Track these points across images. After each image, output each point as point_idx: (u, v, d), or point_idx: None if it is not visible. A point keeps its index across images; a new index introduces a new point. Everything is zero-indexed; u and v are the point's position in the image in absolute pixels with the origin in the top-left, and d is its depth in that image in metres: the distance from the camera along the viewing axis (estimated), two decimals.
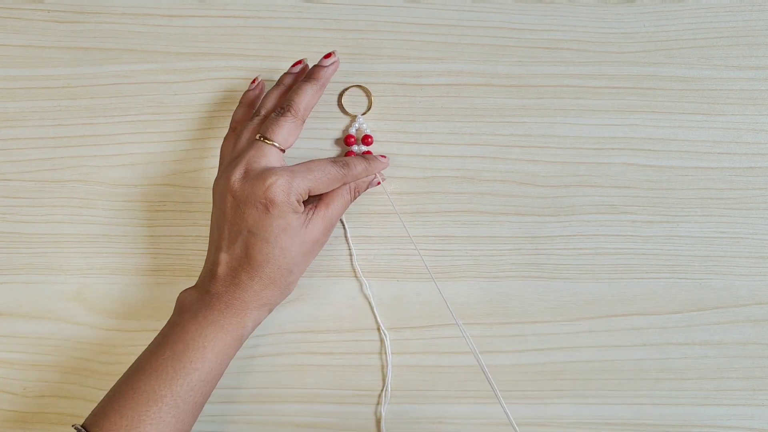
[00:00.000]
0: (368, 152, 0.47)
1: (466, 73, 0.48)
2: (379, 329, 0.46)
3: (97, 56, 0.48)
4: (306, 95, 0.43)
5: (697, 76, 0.48)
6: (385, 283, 0.47)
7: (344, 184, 0.43)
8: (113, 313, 0.46)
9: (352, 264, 0.47)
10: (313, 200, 0.43)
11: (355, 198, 0.45)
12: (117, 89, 0.48)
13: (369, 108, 0.48)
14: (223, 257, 0.41)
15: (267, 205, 0.39)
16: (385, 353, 0.46)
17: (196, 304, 0.40)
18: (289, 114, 0.42)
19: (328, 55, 0.45)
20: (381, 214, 0.47)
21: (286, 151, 0.42)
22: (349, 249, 0.47)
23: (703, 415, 0.45)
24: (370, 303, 0.46)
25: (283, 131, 0.42)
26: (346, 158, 0.44)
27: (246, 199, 0.40)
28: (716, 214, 0.47)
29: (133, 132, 0.48)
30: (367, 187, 0.46)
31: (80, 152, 0.48)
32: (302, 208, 0.41)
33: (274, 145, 0.41)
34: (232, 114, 0.46)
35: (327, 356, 0.46)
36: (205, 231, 0.47)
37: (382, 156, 0.46)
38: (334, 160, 0.43)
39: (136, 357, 0.46)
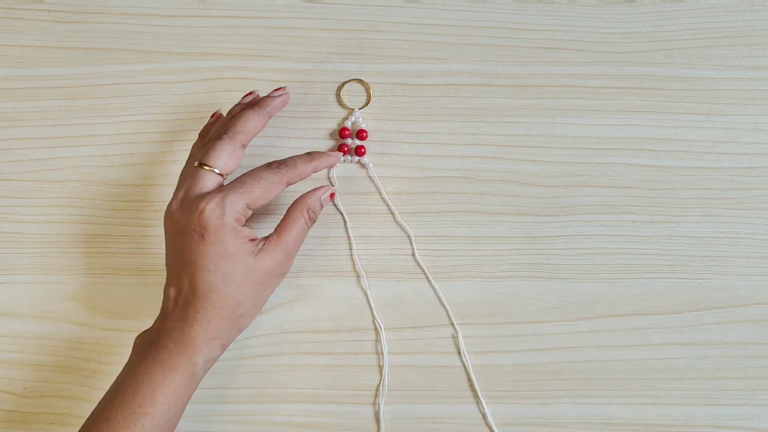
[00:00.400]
0: (361, 147, 0.47)
1: (466, 73, 0.48)
2: (374, 321, 0.46)
3: (97, 56, 0.48)
4: (247, 120, 0.42)
5: (697, 76, 0.48)
6: (385, 283, 0.47)
7: (288, 184, 0.41)
8: (113, 313, 0.46)
9: (351, 257, 0.47)
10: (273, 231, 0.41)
11: (312, 220, 0.43)
12: (117, 89, 0.48)
13: (367, 102, 0.48)
14: (171, 292, 0.39)
15: (201, 233, 0.38)
16: (382, 348, 0.46)
17: (148, 345, 0.39)
18: (225, 137, 0.41)
19: (279, 89, 0.45)
20: (381, 214, 0.47)
21: (226, 176, 0.41)
22: (349, 240, 0.47)
23: (703, 415, 0.45)
24: (366, 296, 0.46)
25: (221, 156, 0.40)
26: (286, 158, 0.42)
27: (183, 229, 0.38)
28: (716, 214, 0.47)
29: (133, 132, 0.48)
30: (322, 207, 0.43)
31: (80, 152, 0.48)
32: (248, 231, 0.40)
33: (213, 171, 0.40)
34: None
35: (327, 356, 0.46)
36: None
37: (333, 151, 0.45)
38: (269, 164, 0.41)
39: None
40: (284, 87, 0.45)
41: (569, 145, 0.48)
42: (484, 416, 0.45)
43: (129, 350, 0.47)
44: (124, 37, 0.48)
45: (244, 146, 0.41)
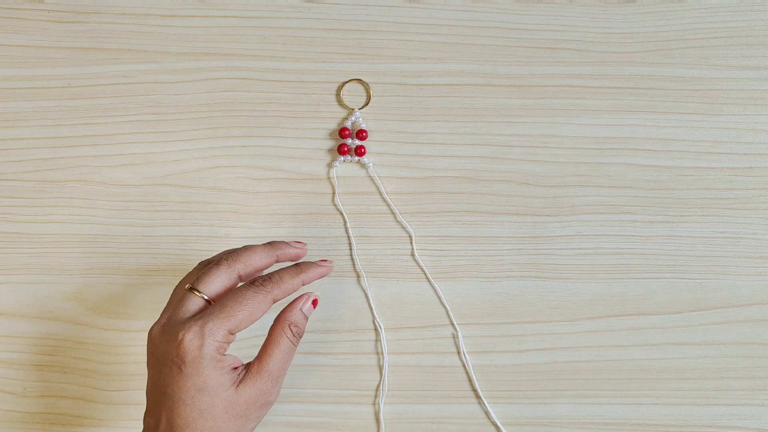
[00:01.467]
0: (361, 147, 0.47)
1: (466, 73, 0.48)
2: (374, 321, 0.46)
3: (97, 56, 0.48)
4: (252, 254, 0.39)
5: (697, 76, 0.48)
6: (385, 283, 0.47)
7: (274, 301, 0.38)
8: (113, 313, 0.46)
9: (351, 257, 0.47)
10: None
11: (297, 336, 0.39)
12: (117, 89, 0.48)
13: (367, 102, 0.48)
14: (150, 423, 0.36)
15: (179, 365, 0.35)
16: (382, 348, 0.46)
17: None
18: (224, 263, 0.38)
19: (299, 243, 0.42)
20: (381, 214, 0.47)
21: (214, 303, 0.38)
22: (349, 240, 0.47)
23: (703, 415, 0.45)
24: (366, 296, 0.46)
25: (215, 282, 0.38)
26: (271, 273, 0.39)
27: (162, 358, 0.36)
28: (716, 214, 0.47)
29: (133, 132, 0.48)
30: (307, 318, 0.40)
31: (80, 152, 0.48)
32: (230, 360, 0.37)
33: (203, 297, 0.37)
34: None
35: (327, 356, 0.46)
36: (206, 231, 0.47)
37: (324, 261, 0.42)
38: (252, 281, 0.38)
39: (136, 357, 0.46)
40: (304, 243, 0.42)
41: (569, 145, 0.48)
42: (486, 414, 0.45)
43: (129, 350, 0.47)
44: (124, 37, 0.48)
45: (240, 278, 0.39)
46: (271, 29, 0.49)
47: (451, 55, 0.48)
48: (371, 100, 0.48)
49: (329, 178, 0.47)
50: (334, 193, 0.47)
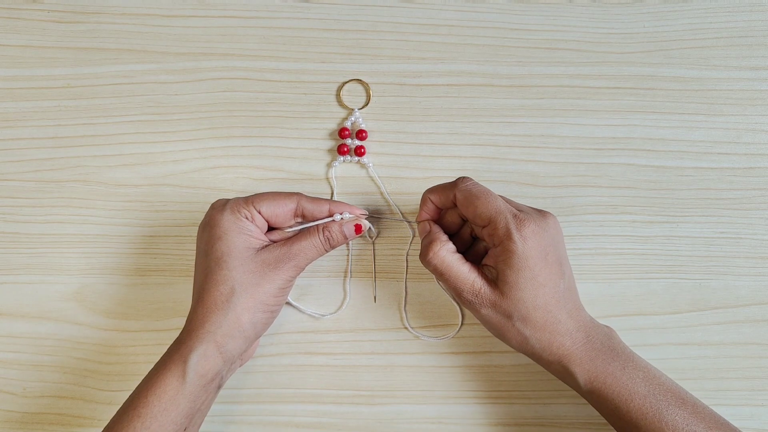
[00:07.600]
0: (361, 147, 0.47)
1: (466, 73, 0.48)
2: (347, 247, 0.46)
3: (97, 56, 0.48)
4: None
5: (697, 76, 0.48)
6: (385, 283, 0.47)
7: (297, 202, 0.42)
8: (113, 313, 0.46)
9: (350, 257, 0.47)
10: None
11: (327, 241, 0.42)
12: (117, 89, 0.48)
13: (367, 102, 0.48)
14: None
15: (205, 222, 0.41)
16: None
17: None
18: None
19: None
20: (381, 214, 0.47)
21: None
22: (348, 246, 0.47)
23: None
24: (346, 296, 0.46)
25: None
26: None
27: (201, 227, 0.43)
28: (716, 214, 0.47)
29: (133, 132, 0.48)
30: (344, 237, 0.42)
31: (80, 152, 0.48)
32: (252, 228, 0.40)
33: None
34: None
35: (327, 356, 0.46)
36: None
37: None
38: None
39: (136, 357, 0.46)
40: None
41: (569, 145, 0.48)
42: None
43: (129, 350, 0.47)
44: (124, 37, 0.48)
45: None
46: (271, 29, 0.49)
47: (451, 55, 0.48)
48: (371, 100, 0.48)
49: (329, 178, 0.47)
50: (332, 193, 0.47)
